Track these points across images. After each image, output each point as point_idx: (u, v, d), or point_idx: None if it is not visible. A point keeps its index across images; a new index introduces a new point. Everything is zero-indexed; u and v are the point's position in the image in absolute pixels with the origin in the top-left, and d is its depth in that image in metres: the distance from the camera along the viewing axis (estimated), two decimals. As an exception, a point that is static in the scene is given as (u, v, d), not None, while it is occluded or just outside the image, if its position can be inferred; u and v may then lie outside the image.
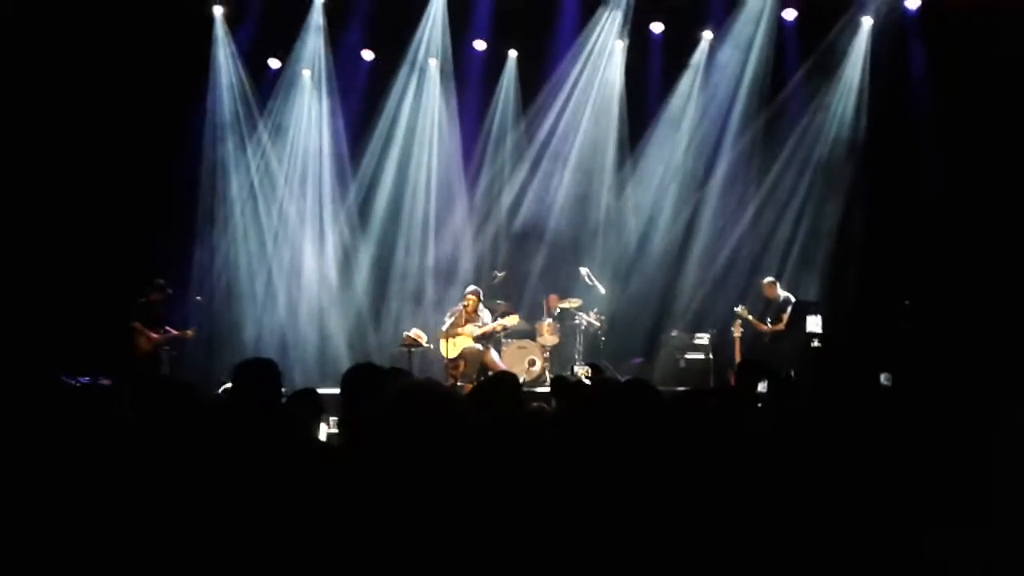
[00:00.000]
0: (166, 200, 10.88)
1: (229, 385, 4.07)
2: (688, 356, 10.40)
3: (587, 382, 5.92)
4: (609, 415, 2.28)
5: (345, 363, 10.64)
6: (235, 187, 11.59)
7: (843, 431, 2.99)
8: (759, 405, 3.82)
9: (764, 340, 10.07)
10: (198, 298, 10.55)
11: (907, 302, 9.45)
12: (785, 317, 9.93)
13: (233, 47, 11.35)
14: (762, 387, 3.95)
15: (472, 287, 10.40)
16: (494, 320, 10.24)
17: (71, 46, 9.90)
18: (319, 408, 4.03)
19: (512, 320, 10.21)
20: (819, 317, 9.67)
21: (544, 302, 10.98)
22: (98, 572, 2.35)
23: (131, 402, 3.60)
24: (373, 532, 1.88)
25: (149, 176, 10.46)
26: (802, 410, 2.87)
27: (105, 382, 6.56)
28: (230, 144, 11.49)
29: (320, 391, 4.34)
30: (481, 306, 10.25)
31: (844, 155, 10.77)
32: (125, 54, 10.15)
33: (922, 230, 9.93)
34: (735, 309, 10.16)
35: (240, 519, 2.35)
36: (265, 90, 11.60)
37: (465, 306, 10.18)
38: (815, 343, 9.46)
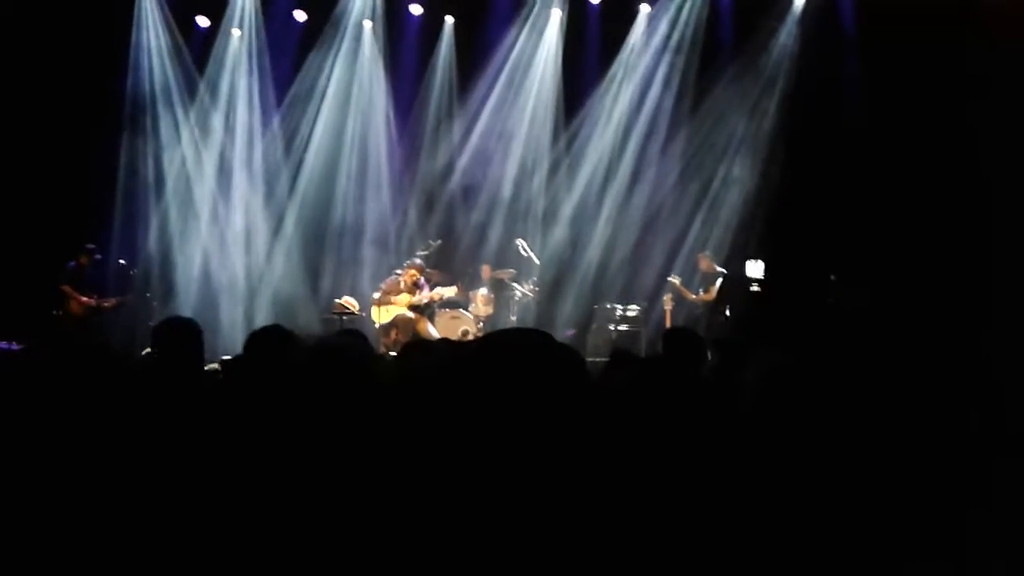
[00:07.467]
0: (90, 163, 10.55)
1: (148, 350, 3.96)
2: (620, 327, 10.52)
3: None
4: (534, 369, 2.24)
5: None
6: (162, 149, 11.26)
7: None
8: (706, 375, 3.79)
9: (695, 312, 10.24)
10: (121, 262, 10.25)
11: (832, 277, 9.59)
12: (714, 289, 10.10)
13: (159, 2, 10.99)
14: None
15: (416, 260, 10.27)
16: (431, 291, 10.18)
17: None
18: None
19: (450, 291, 10.14)
20: (760, 262, 9.56)
21: (480, 272, 10.97)
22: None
23: (48, 367, 3.47)
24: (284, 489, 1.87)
25: (73, 139, 10.13)
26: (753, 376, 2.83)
27: (15, 347, 6.33)
28: (156, 105, 11.15)
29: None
30: (422, 279, 10.18)
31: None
32: (49, 6, 9.74)
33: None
34: (669, 279, 10.29)
35: (159, 485, 2.30)
36: (194, 49, 11.25)
37: (402, 277, 10.08)
38: (754, 287, 9.45)
